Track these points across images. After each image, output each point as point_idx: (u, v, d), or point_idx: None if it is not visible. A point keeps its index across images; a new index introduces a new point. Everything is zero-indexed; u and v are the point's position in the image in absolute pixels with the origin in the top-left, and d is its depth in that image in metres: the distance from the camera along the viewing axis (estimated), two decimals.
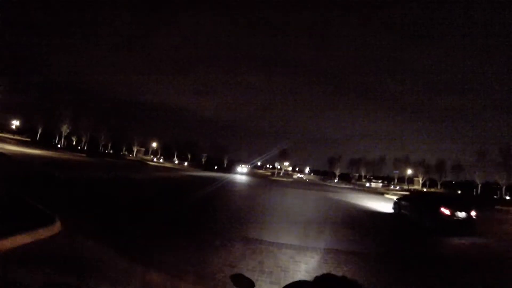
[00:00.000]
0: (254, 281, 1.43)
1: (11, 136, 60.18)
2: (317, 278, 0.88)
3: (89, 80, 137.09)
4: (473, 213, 10.98)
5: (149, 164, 53.77)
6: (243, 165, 69.80)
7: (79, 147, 65.71)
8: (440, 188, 65.13)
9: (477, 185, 48.59)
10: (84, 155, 51.33)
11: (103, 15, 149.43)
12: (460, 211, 10.89)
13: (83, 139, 68.06)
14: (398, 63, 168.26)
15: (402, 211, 13.90)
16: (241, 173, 58.69)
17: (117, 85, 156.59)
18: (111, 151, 76.30)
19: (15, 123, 64.56)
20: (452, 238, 9.56)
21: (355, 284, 0.84)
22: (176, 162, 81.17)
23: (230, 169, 69.34)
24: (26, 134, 66.34)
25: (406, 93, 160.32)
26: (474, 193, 47.92)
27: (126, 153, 78.82)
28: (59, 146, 59.51)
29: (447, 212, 10.78)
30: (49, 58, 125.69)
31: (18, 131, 66.44)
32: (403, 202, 14.24)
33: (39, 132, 65.58)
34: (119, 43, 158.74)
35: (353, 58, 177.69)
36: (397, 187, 67.67)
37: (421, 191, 29.42)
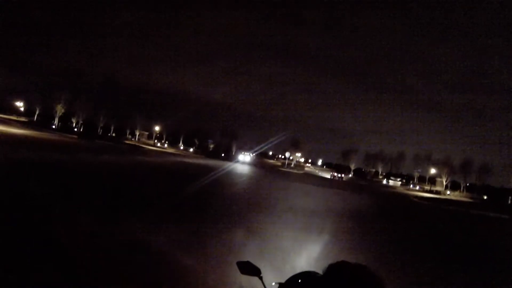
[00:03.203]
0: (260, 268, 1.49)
1: (14, 118, 58.93)
2: (331, 266, 0.89)
3: (99, 66, 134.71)
4: (343, 175, 65.87)
5: (144, 148, 50.26)
6: (245, 153, 64.01)
7: (75, 129, 62.78)
8: (462, 191, 58.38)
9: None
10: (76, 136, 48.51)
11: (117, 5, 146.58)
12: (338, 174, 65.71)
13: (79, 121, 64.94)
14: (418, 59, 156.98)
15: (331, 176, 64.05)
16: (242, 163, 53.54)
17: (130, 72, 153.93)
18: (113, 134, 73.54)
19: (20, 105, 63.46)
20: (334, 182, 50.28)
21: (366, 270, 0.84)
22: (182, 148, 77.65)
23: (236, 157, 65.02)
24: (28, 115, 64.90)
25: (425, 89, 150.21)
26: (510, 201, 41.24)
27: (130, 136, 75.82)
28: (53, 127, 56.72)
29: (334, 174, 65.53)
30: (58, 43, 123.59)
31: (23, 112, 65.18)
32: (330, 173, 68.36)
33: (37, 113, 63.36)
34: (134, 32, 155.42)
35: (371, 51, 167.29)
36: (417, 187, 61.39)
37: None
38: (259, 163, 67.19)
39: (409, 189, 56.64)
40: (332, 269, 0.87)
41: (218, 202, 11.51)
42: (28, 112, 66.08)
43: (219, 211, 9.68)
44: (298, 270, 1.23)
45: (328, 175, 66.86)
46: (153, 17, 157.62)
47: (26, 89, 65.72)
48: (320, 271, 0.98)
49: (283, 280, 1.14)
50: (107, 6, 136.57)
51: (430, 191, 55.62)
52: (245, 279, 1.62)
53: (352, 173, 78.50)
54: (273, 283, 1.33)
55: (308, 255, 6.16)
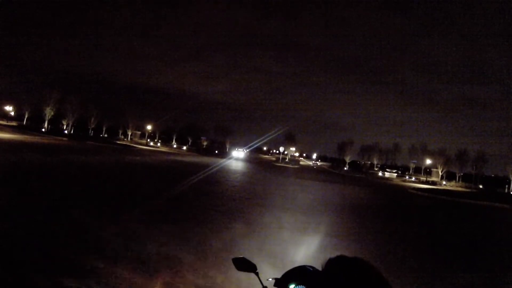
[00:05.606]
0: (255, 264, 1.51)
1: (4, 123, 57.72)
2: (330, 260, 0.91)
3: (96, 66, 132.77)
4: (317, 163, 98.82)
5: (135, 148, 49.30)
6: (239, 149, 63.15)
7: (65, 131, 61.36)
8: (458, 181, 58.33)
9: (510, 181, 41.64)
10: (65, 139, 47.45)
11: (116, 3, 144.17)
12: (315, 162, 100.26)
13: (70, 123, 63.37)
14: (412, 52, 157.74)
15: (313, 164, 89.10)
16: (236, 159, 52.92)
17: (125, 70, 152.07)
18: (105, 135, 72.26)
19: (9, 109, 62.15)
20: (314, 168, 71.55)
21: (367, 264, 0.86)
22: (175, 146, 76.68)
23: (230, 153, 64.27)
24: (18, 120, 63.71)
25: (420, 81, 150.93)
26: (506, 191, 41.08)
27: (122, 137, 74.58)
28: (42, 130, 55.35)
29: (315, 162, 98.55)
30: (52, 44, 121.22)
31: (13, 117, 63.95)
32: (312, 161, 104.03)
33: (26, 116, 62.01)
34: (130, 30, 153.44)
35: (365, 44, 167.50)
36: (413, 178, 61.26)
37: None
38: (254, 158, 66.54)
39: (405, 181, 56.44)
40: (332, 264, 0.89)
41: (203, 202, 10.80)
42: (19, 116, 64.83)
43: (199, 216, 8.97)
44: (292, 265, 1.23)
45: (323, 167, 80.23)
46: (150, 15, 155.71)
47: (15, 91, 64.18)
48: (314, 265, 1.04)
49: (279, 275, 1.13)
50: (102, 3, 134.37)
51: (426, 182, 55.43)
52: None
53: (348, 166, 78.23)
54: (270, 279, 1.30)
55: None
